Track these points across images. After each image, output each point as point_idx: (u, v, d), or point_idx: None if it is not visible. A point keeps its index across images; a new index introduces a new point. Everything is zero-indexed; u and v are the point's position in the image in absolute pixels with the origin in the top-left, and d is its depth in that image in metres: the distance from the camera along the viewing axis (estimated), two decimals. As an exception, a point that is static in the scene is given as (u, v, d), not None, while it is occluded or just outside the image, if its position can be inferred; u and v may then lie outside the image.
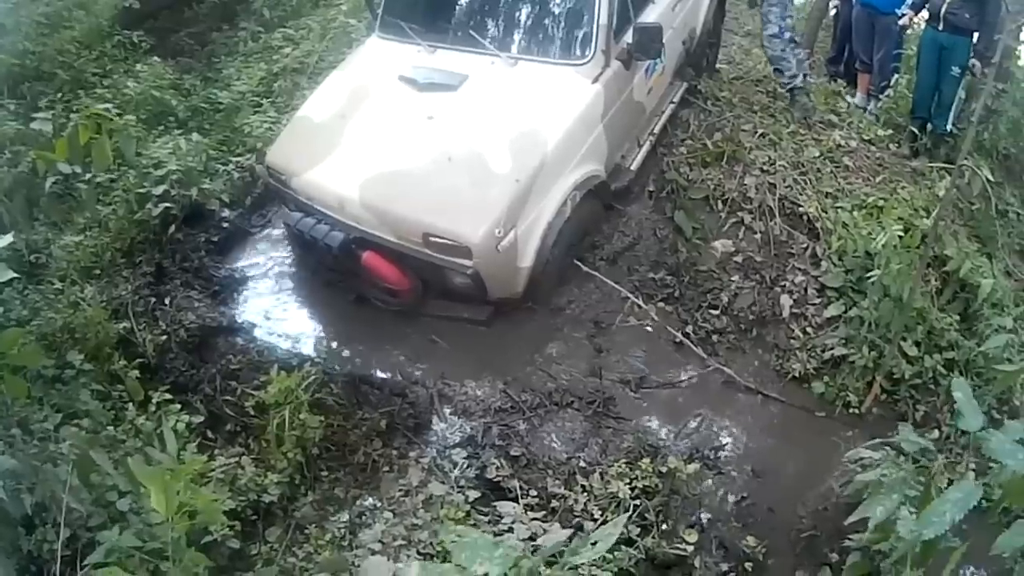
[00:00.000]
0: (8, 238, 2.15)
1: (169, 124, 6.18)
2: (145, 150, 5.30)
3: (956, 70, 5.92)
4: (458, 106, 4.59)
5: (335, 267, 4.62)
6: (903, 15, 6.18)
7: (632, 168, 5.33)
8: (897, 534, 2.77)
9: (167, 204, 5.08)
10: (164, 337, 4.30)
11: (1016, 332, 4.57)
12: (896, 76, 6.64)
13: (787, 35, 5.95)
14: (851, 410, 4.38)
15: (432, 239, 4.17)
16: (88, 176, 4.82)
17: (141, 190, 5.14)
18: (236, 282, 5.02)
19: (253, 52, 7.32)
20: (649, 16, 5.09)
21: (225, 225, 5.38)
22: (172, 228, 5.12)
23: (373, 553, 3.10)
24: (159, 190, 5.10)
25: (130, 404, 3.63)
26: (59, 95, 6.43)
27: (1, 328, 2.88)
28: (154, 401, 3.63)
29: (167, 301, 4.62)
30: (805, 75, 6.18)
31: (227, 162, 5.71)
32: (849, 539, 3.21)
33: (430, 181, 4.29)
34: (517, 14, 5.05)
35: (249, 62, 7.11)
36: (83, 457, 2.54)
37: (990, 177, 5.52)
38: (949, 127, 6.11)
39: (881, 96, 6.63)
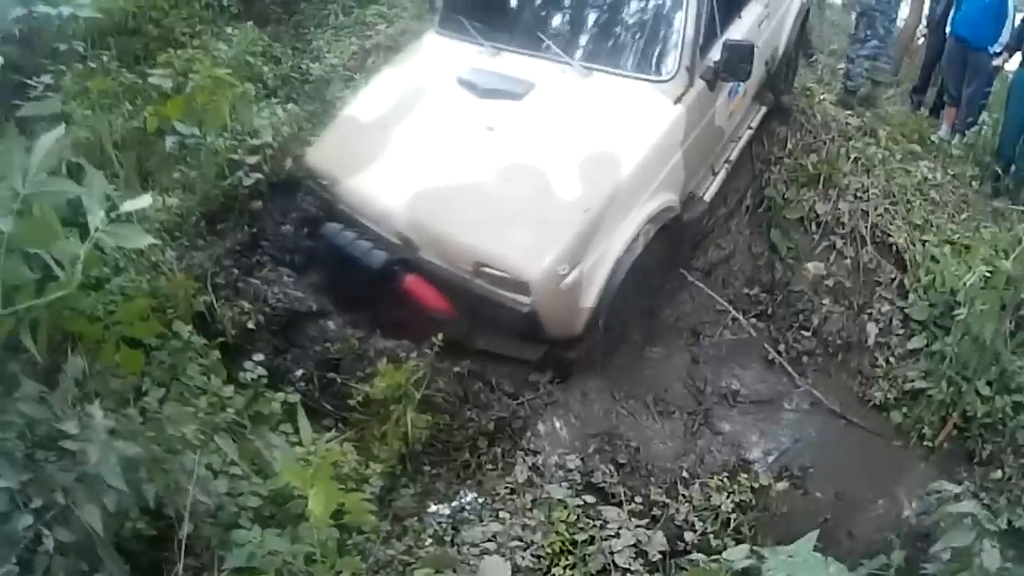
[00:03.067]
0: (147, 199, 1.85)
1: (259, 91, 5.95)
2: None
3: None
4: (522, 118, 4.07)
5: (371, 290, 4.05)
6: (998, 54, 6.07)
7: (706, 199, 4.78)
8: (980, 564, 2.82)
9: (259, 175, 4.92)
10: (245, 316, 3.84)
11: None
12: (984, 114, 6.52)
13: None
14: (924, 442, 4.33)
15: (485, 269, 3.65)
16: (208, 139, 4.59)
17: (234, 156, 4.98)
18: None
19: (344, 26, 7.09)
20: (735, 33, 4.56)
21: (316, 201, 5.14)
22: (261, 200, 4.95)
23: (486, 552, 3.03)
24: (253, 159, 4.94)
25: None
26: (147, 50, 6.30)
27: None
28: (249, 379, 3.31)
29: (250, 275, 4.21)
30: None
31: (320, 135, 5.56)
32: (924, 567, 3.18)
33: (487, 202, 3.75)
34: (594, 19, 4.52)
35: (340, 36, 6.91)
36: (207, 443, 2.30)
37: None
38: None
39: (966, 132, 6.51)
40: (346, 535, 2.59)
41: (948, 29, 6.79)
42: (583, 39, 4.47)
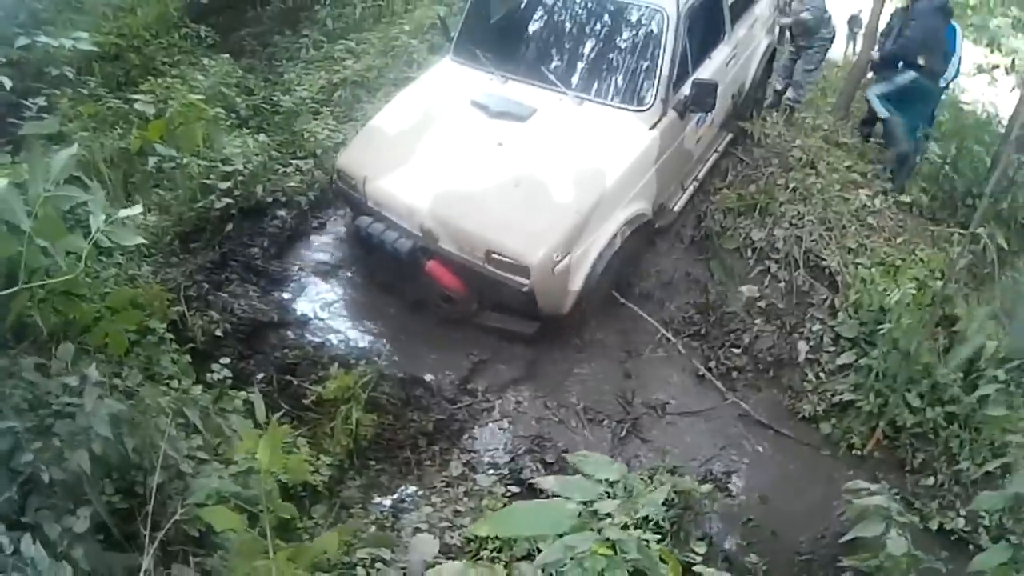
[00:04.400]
0: (138, 208, 2.37)
1: (233, 120, 6.64)
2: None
3: None
4: (527, 136, 5.12)
5: (397, 272, 5.12)
6: (945, 88, 6.74)
7: (675, 209, 5.92)
8: (887, 552, 3.30)
9: (229, 200, 5.56)
10: (213, 325, 4.61)
11: (1007, 384, 4.92)
12: (928, 142, 7.17)
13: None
14: (854, 451, 4.82)
15: (494, 256, 4.67)
16: (185, 160, 5.25)
17: (207, 180, 5.62)
18: (290, 279, 5.46)
19: (314, 60, 7.85)
20: (706, 72, 5.66)
21: (282, 224, 5.80)
22: (231, 222, 5.59)
23: (419, 531, 3.59)
24: (225, 185, 5.59)
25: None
26: (128, 76, 6.96)
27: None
28: (215, 380, 3.89)
29: (219, 289, 5.00)
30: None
31: (287, 164, 6.14)
32: (840, 560, 3.71)
33: (497, 203, 4.79)
34: (587, 57, 5.63)
35: (310, 69, 7.64)
36: (177, 412, 2.88)
37: (1004, 245, 6.02)
38: None
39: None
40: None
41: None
42: (578, 74, 5.60)
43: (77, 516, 2.24)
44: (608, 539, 1.85)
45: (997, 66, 10.63)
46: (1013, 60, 9.00)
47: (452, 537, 3.56)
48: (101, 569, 2.28)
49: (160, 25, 7.96)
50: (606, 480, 1.97)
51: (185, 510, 2.47)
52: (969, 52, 9.09)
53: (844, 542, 3.81)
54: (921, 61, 6.76)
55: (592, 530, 1.87)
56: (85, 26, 6.87)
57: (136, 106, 4.94)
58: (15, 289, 2.06)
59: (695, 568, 3.55)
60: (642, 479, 4.12)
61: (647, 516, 2.58)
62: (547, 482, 2.11)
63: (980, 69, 10.77)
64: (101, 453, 2.27)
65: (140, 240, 2.46)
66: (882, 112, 6.96)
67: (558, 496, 1.94)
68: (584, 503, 1.86)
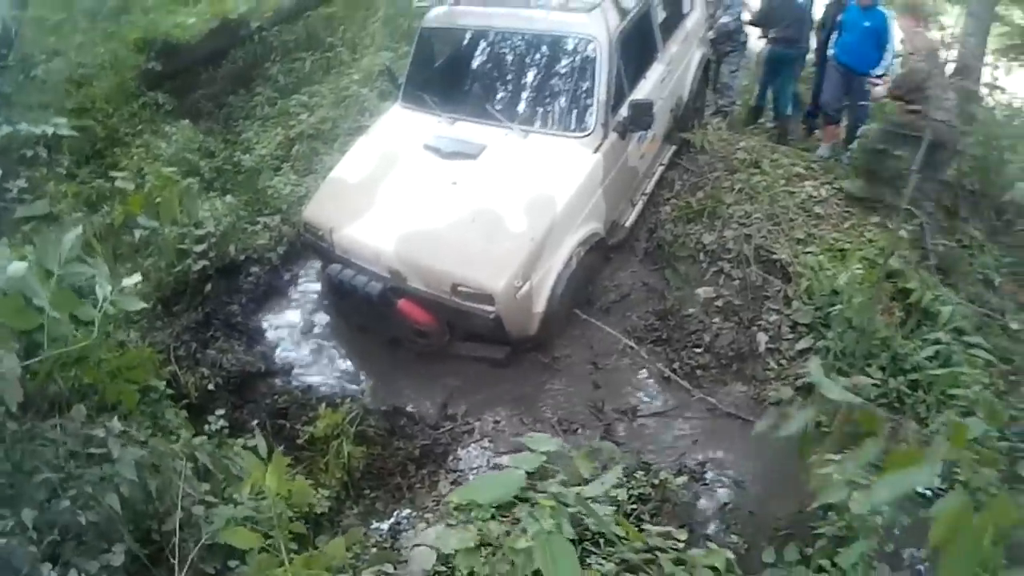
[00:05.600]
0: (137, 277, 2.70)
1: (200, 184, 7.18)
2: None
3: None
4: (479, 172, 5.70)
5: (370, 313, 5.62)
6: (880, 77, 7.36)
7: (627, 225, 6.55)
8: (851, 514, 3.71)
9: (205, 261, 6.13)
10: (205, 380, 5.20)
11: (949, 344, 5.45)
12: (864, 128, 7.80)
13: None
14: (822, 429, 5.36)
15: (460, 288, 5.21)
16: (166, 230, 5.80)
17: (182, 245, 6.17)
18: (270, 330, 6.09)
19: (270, 117, 8.50)
20: (641, 92, 6.29)
21: (256, 280, 6.41)
22: (209, 283, 6.16)
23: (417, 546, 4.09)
24: (199, 247, 6.16)
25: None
26: (94, 149, 7.51)
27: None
28: (212, 429, 4.40)
29: (207, 347, 5.59)
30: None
31: (255, 222, 6.76)
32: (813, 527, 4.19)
33: (457, 239, 5.32)
34: (527, 92, 6.27)
35: (267, 126, 8.29)
36: (189, 456, 3.39)
37: (938, 218, 6.63)
38: None
39: (852, 147, 7.80)
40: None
41: (830, 53, 8.09)
42: (521, 107, 6.22)
43: (113, 552, 2.73)
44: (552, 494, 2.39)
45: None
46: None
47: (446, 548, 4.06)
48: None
49: (119, 96, 8.50)
50: (548, 452, 2.49)
51: (208, 536, 2.94)
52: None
53: (819, 511, 4.11)
54: (773, 33, 7.84)
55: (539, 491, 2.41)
56: (53, 104, 7.46)
57: (117, 183, 5.48)
58: (40, 358, 2.55)
59: (681, 557, 3.89)
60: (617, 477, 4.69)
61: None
62: (504, 460, 2.63)
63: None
64: (128, 495, 2.77)
65: (143, 304, 2.87)
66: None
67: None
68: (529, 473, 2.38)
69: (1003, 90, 9.11)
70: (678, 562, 3.62)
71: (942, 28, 9.55)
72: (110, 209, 6.22)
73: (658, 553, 3.65)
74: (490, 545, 2.99)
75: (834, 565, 3.67)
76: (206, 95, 9.28)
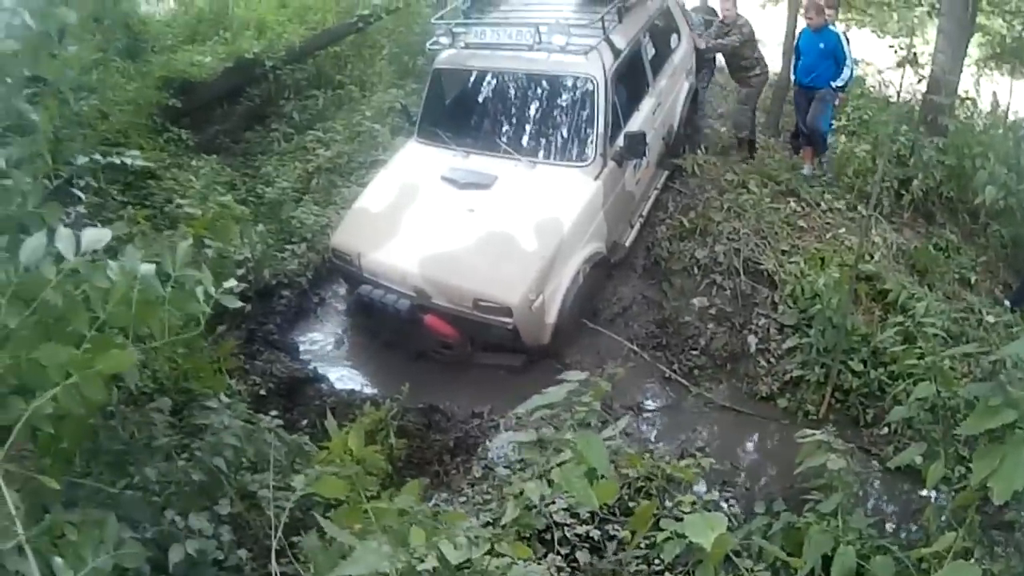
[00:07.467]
0: (233, 280, 2.92)
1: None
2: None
3: None
4: (493, 200, 6.63)
5: (398, 329, 6.55)
6: (841, 88, 8.47)
7: (626, 244, 7.54)
8: (829, 472, 4.26)
9: (244, 284, 7.00)
10: (256, 387, 5.97)
11: (907, 326, 6.42)
12: (831, 138, 8.83)
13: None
14: (810, 417, 6.14)
15: (481, 303, 6.12)
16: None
17: (220, 270, 7.04)
18: (305, 345, 7.02)
19: (287, 151, 9.37)
20: (635, 124, 7.31)
21: (288, 303, 7.32)
22: (249, 304, 7.03)
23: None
24: (240, 271, 7.01)
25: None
26: (128, 183, 8.26)
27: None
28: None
29: (254, 359, 6.44)
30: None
31: (282, 249, 7.61)
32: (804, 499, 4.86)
33: (476, 259, 6.24)
34: (533, 127, 7.36)
35: (284, 160, 9.14)
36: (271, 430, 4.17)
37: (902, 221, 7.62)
38: None
39: (823, 161, 8.90)
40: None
41: (792, 78, 9.14)
42: (528, 141, 7.26)
43: (219, 503, 3.45)
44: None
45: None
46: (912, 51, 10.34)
47: (482, 517, 4.97)
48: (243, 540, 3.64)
49: (145, 130, 9.04)
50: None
51: (299, 492, 3.31)
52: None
53: (806, 484, 4.55)
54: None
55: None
56: (91, 138, 8.21)
57: (185, 209, 6.44)
58: (157, 344, 2.74)
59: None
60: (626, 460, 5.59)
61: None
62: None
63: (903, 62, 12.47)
64: (232, 458, 3.62)
65: (240, 304, 3.08)
66: None
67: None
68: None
69: (975, 102, 10.21)
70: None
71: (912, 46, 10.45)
72: (173, 232, 7.03)
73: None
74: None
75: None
76: (222, 131, 10.04)
